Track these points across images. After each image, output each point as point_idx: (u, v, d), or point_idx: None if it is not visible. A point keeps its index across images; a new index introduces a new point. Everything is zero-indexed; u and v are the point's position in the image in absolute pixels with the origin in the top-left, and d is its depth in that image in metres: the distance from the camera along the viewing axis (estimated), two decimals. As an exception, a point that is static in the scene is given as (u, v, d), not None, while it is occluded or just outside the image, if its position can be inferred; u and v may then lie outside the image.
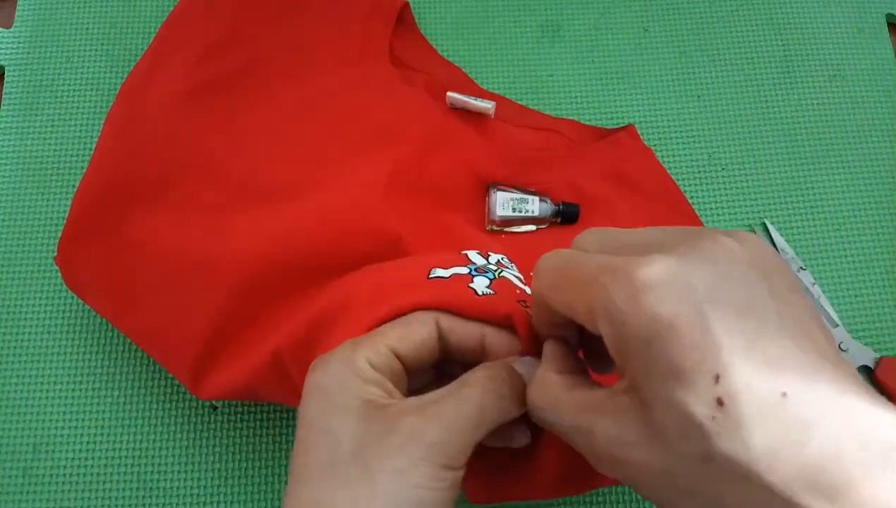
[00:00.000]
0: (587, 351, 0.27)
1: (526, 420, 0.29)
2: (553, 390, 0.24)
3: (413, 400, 0.25)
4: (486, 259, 0.34)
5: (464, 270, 0.32)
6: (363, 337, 0.28)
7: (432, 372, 0.30)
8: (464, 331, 0.28)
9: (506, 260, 0.35)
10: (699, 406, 0.19)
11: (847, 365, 0.20)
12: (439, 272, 0.31)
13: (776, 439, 0.18)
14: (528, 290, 0.32)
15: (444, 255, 0.34)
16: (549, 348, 0.26)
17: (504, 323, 0.29)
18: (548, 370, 0.25)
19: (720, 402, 0.19)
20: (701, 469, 0.19)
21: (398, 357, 0.27)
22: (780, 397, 0.19)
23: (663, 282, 0.20)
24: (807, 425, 0.19)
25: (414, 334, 0.28)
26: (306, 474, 0.25)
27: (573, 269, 0.23)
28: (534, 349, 0.28)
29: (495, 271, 0.32)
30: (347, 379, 0.26)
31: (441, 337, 0.28)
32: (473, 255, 0.34)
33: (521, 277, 0.33)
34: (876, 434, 0.18)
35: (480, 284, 0.30)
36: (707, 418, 0.19)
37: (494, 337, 0.28)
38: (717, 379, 0.19)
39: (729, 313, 0.19)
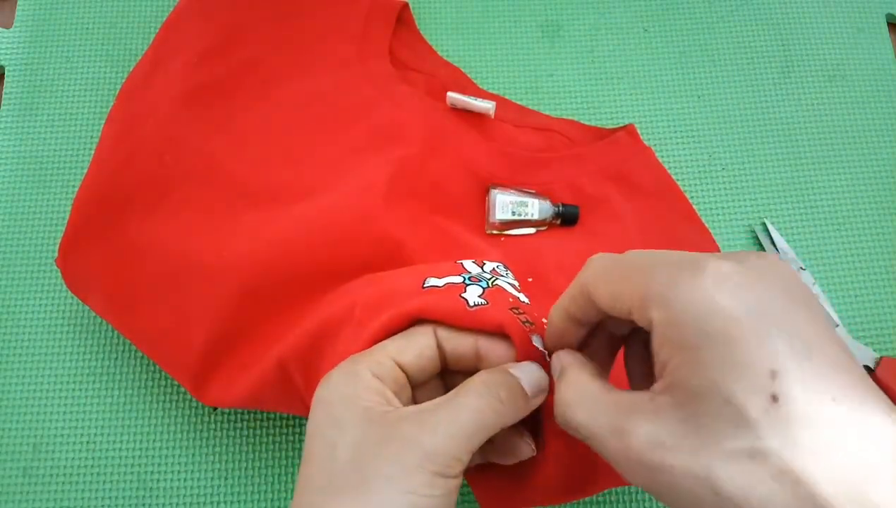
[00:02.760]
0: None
1: (529, 431, 0.29)
2: (589, 390, 0.24)
3: (412, 408, 0.26)
4: (481, 267, 0.34)
5: (457, 279, 0.32)
6: (365, 351, 0.28)
7: (440, 385, 0.30)
8: (458, 339, 0.29)
9: (501, 268, 0.35)
10: (753, 399, 0.19)
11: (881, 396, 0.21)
12: (433, 281, 0.32)
13: (825, 443, 0.19)
14: (522, 298, 0.32)
15: (440, 265, 0.34)
16: (570, 356, 0.26)
17: (497, 332, 0.29)
18: (582, 371, 0.25)
19: (774, 398, 0.19)
20: (745, 469, 0.19)
21: (400, 366, 0.27)
22: (831, 402, 0.19)
23: (731, 279, 0.20)
24: (857, 437, 0.19)
25: (414, 343, 0.28)
26: (307, 483, 0.25)
27: (632, 260, 0.23)
28: (528, 355, 0.28)
29: (489, 279, 0.32)
30: (348, 388, 0.26)
31: (439, 346, 0.29)
32: (469, 264, 0.34)
33: (517, 284, 0.33)
34: None
35: (473, 293, 0.30)
36: (760, 411, 0.19)
37: (488, 345, 0.29)
38: (773, 375, 0.19)
39: (785, 322, 0.20)
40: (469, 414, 0.25)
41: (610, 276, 0.24)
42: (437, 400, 0.26)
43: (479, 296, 0.30)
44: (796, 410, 0.19)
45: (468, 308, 0.29)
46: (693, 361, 0.20)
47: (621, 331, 0.28)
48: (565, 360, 0.26)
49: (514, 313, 0.29)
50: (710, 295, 0.20)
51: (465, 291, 0.31)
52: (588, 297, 0.25)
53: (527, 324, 0.29)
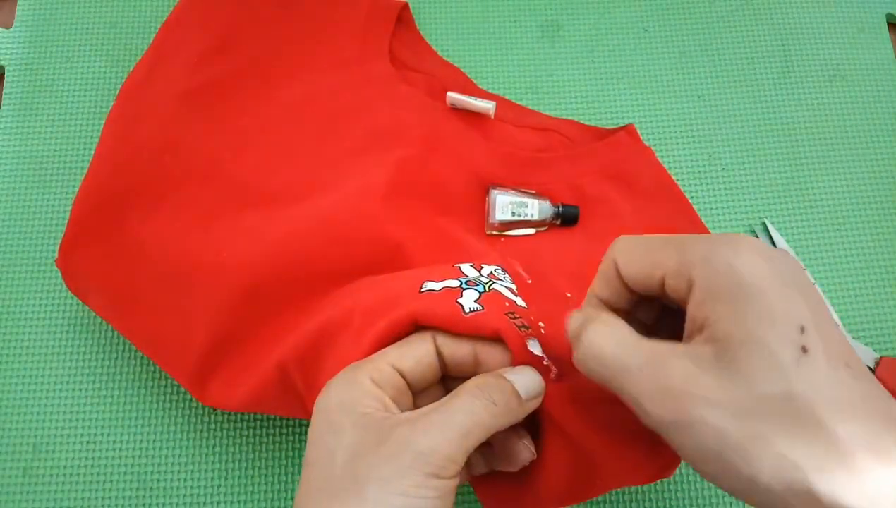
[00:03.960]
0: None
1: (528, 433, 0.29)
2: (622, 330, 0.25)
3: (409, 413, 0.26)
4: (479, 271, 0.34)
5: (454, 283, 0.32)
6: (366, 359, 0.28)
7: (441, 392, 0.30)
8: (456, 345, 0.29)
9: (499, 271, 0.35)
10: (786, 348, 0.21)
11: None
12: (430, 285, 0.32)
13: (844, 394, 0.21)
14: (518, 302, 0.32)
15: (438, 268, 0.34)
16: (597, 310, 0.27)
17: (494, 338, 0.29)
18: (614, 317, 0.26)
19: (804, 350, 0.21)
20: (775, 411, 0.21)
21: (400, 372, 0.27)
22: (845, 365, 0.22)
23: (762, 250, 0.23)
24: (869, 393, 0.22)
25: (413, 349, 0.28)
26: (307, 487, 0.25)
27: (663, 236, 0.26)
28: (524, 360, 0.28)
29: (486, 283, 0.32)
30: (347, 396, 0.26)
31: (438, 352, 0.29)
32: (467, 268, 0.34)
33: (514, 288, 0.34)
34: None
35: (469, 298, 0.30)
36: (792, 360, 0.21)
37: (486, 351, 0.29)
38: (802, 330, 0.22)
39: (806, 294, 0.23)
40: (461, 415, 0.25)
41: (643, 248, 0.26)
42: (432, 405, 0.26)
43: (474, 301, 0.30)
44: (821, 365, 0.21)
45: (463, 314, 0.29)
46: (732, 314, 0.22)
47: (650, 321, 0.28)
48: (592, 312, 0.27)
49: (510, 317, 0.29)
50: (748, 257, 0.23)
51: (462, 296, 0.31)
52: (617, 275, 0.26)
53: (523, 329, 0.29)
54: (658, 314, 0.28)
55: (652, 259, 0.25)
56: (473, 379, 0.27)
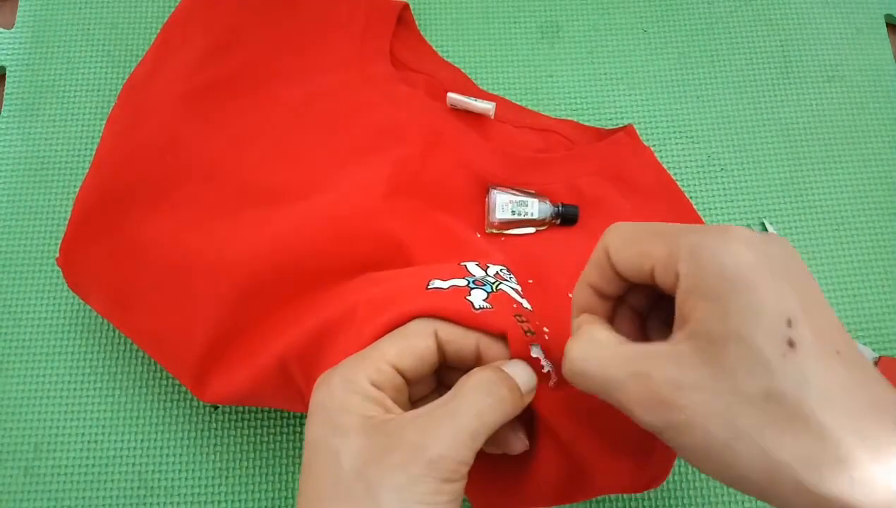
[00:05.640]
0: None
1: (522, 426, 0.30)
2: (604, 342, 0.25)
3: (411, 413, 0.26)
4: (485, 271, 0.34)
5: (462, 282, 0.32)
6: (364, 353, 0.28)
7: (433, 379, 0.30)
8: (461, 342, 0.29)
9: (504, 271, 0.35)
10: (771, 343, 0.21)
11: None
12: (438, 283, 0.32)
13: (833, 384, 0.21)
14: (525, 304, 0.32)
15: (444, 267, 0.34)
16: (584, 316, 0.27)
17: (499, 335, 0.29)
18: (596, 327, 0.26)
19: (790, 343, 0.21)
20: (760, 408, 0.21)
21: (399, 371, 0.27)
22: (835, 353, 0.21)
23: (752, 240, 0.23)
24: (859, 381, 0.21)
25: (413, 348, 0.28)
26: (311, 491, 0.25)
27: (655, 225, 0.25)
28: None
29: (493, 283, 0.32)
30: (349, 398, 0.26)
31: (439, 348, 0.29)
32: (472, 267, 0.34)
33: (520, 289, 0.34)
34: None
35: (478, 297, 0.30)
36: (777, 355, 0.21)
37: (490, 347, 0.29)
38: (789, 322, 0.21)
39: (796, 282, 0.22)
40: (469, 417, 0.25)
41: (634, 238, 0.25)
42: (436, 403, 0.26)
43: (483, 300, 0.30)
44: (809, 357, 0.21)
45: (473, 310, 0.29)
46: (716, 309, 0.22)
47: (642, 307, 0.28)
48: (579, 320, 0.27)
49: (518, 320, 0.29)
50: (735, 249, 0.22)
51: (470, 294, 0.31)
52: (609, 263, 0.26)
53: (529, 334, 0.29)
54: (651, 300, 0.28)
55: (642, 248, 0.24)
56: (474, 375, 0.27)
